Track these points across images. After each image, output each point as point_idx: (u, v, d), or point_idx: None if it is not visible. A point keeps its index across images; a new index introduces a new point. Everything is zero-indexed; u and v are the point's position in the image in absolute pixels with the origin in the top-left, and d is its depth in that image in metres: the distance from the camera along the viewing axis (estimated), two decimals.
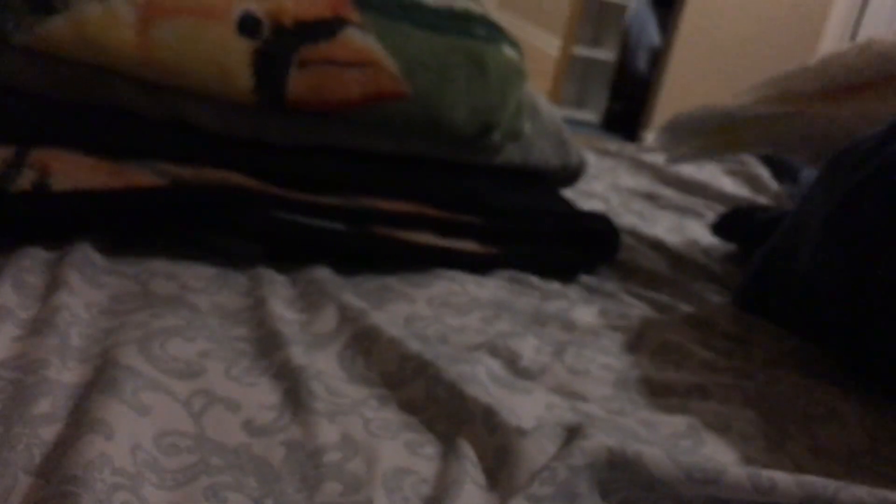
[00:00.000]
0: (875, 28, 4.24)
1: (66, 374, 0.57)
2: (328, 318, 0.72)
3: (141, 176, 0.74)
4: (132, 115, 0.79)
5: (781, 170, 1.53)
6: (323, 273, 0.79)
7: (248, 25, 0.79)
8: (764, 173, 1.54)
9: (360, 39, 0.84)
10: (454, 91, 0.88)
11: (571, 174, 1.07)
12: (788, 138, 0.99)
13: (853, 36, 4.26)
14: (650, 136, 4.28)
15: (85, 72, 0.76)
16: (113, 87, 0.77)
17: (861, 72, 0.93)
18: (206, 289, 0.74)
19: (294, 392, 0.60)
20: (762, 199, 1.42)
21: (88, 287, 0.69)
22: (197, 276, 0.75)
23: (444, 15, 0.93)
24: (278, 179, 0.80)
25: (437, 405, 0.61)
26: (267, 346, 0.66)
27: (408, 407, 0.62)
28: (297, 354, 0.64)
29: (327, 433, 0.55)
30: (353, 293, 0.76)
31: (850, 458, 0.66)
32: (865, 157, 0.76)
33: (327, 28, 0.82)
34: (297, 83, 0.80)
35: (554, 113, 1.06)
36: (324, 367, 0.65)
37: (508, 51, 0.94)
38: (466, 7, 0.96)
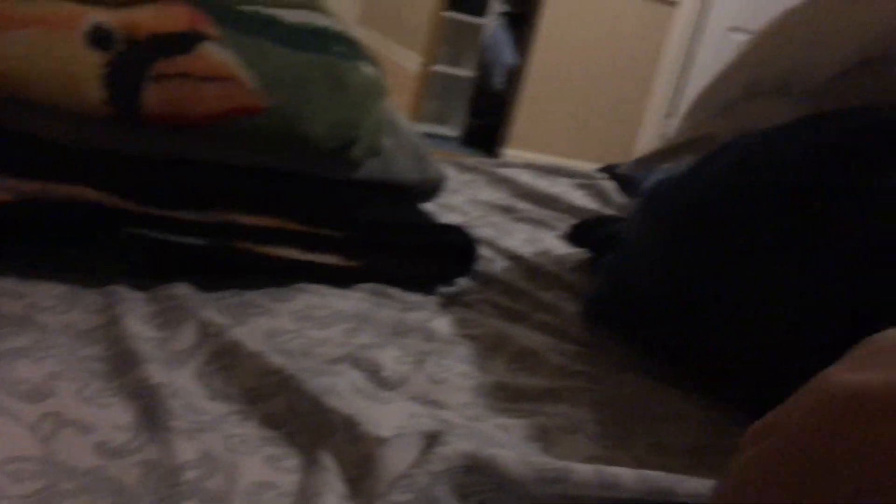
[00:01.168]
0: (708, 46, 4.56)
1: None
2: (187, 335, 0.71)
3: None
4: None
5: (626, 183, 1.63)
6: (182, 289, 0.77)
7: (98, 37, 0.77)
8: (610, 187, 1.63)
9: (217, 54, 0.83)
10: (313, 106, 0.89)
11: (431, 188, 1.10)
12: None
13: (689, 51, 4.56)
14: (508, 151, 4.42)
15: None
16: None
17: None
18: (55, 307, 0.71)
19: (151, 411, 0.59)
20: (610, 211, 1.51)
21: None
22: (46, 295, 0.72)
23: (303, 31, 0.93)
24: (135, 194, 0.78)
25: (299, 418, 0.61)
26: (122, 365, 0.64)
27: (269, 421, 0.62)
28: (154, 372, 0.63)
29: (186, 451, 0.55)
30: (213, 309, 0.75)
31: (692, 454, 0.71)
32: (679, 189, 0.83)
33: (184, 42, 0.81)
34: (152, 96, 0.79)
35: (412, 129, 1.09)
36: (183, 384, 0.65)
37: (367, 68, 0.96)
38: (326, 24, 0.97)
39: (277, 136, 0.87)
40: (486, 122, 4.75)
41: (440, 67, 4.64)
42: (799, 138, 0.75)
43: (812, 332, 0.67)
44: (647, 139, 4.72)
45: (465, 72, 4.81)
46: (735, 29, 4.55)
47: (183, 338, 0.71)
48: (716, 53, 4.59)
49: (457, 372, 0.76)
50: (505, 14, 4.85)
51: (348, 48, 0.96)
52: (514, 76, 4.48)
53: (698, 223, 0.81)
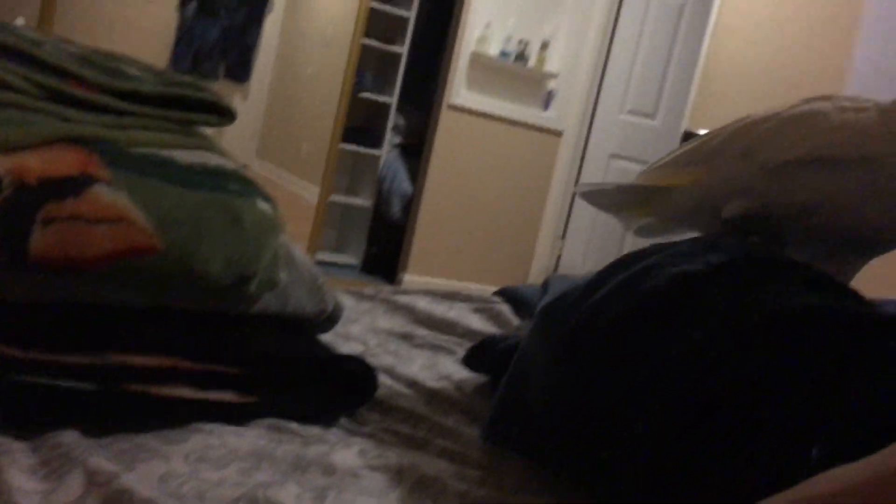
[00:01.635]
0: (592, 171, 4.82)
1: None
2: (74, 485, 0.68)
3: None
4: None
5: (520, 305, 1.68)
6: (69, 436, 0.75)
7: None
8: (506, 309, 1.68)
9: (109, 196, 0.84)
10: (208, 244, 0.90)
11: (328, 319, 1.11)
12: (683, 208, 1.12)
13: (578, 176, 4.80)
14: (408, 277, 4.47)
15: None
16: None
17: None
18: None
19: None
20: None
21: None
22: None
23: (197, 171, 0.95)
24: (21, 339, 0.76)
25: None
26: None
27: None
28: None
29: None
30: (102, 455, 0.73)
31: None
32: (570, 309, 0.88)
33: (74, 185, 0.82)
34: (42, 240, 0.78)
35: (308, 261, 1.11)
36: None
37: (262, 204, 0.98)
38: (220, 163, 1.00)
39: (173, 276, 0.87)
40: (385, 249, 4.82)
41: (338, 198, 4.72)
42: (673, 267, 0.82)
43: (697, 446, 0.71)
44: (542, 260, 4.88)
45: (363, 201, 4.91)
46: (615, 156, 4.85)
47: (68, 489, 0.68)
48: (599, 177, 4.86)
49: None
50: (399, 145, 5.03)
51: (243, 186, 0.98)
52: (411, 204, 4.60)
53: (586, 344, 0.85)
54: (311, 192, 4.34)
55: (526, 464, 0.94)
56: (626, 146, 4.85)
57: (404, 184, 4.70)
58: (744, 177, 1.05)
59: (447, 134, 4.43)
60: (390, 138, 4.95)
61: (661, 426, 0.74)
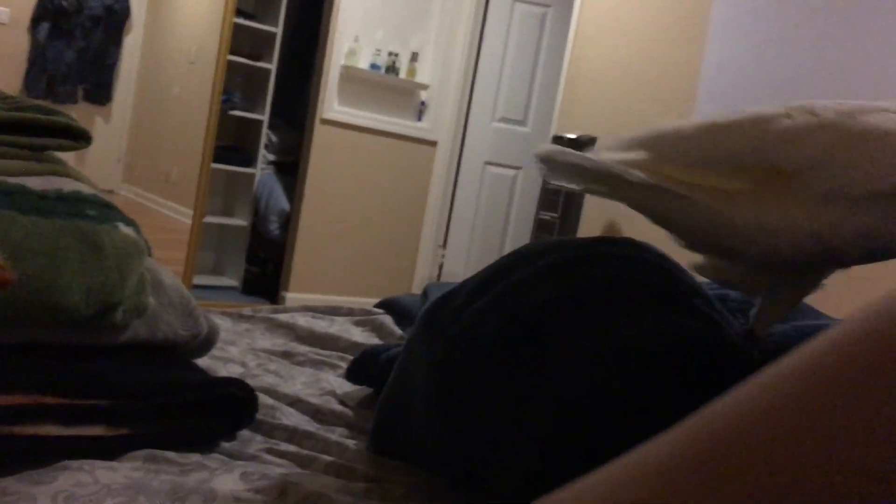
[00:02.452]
0: (469, 179, 4.90)
1: None
2: None
3: None
4: None
5: (401, 315, 1.69)
6: None
7: None
8: (388, 320, 1.68)
9: None
10: (67, 273, 0.86)
11: (203, 343, 1.08)
12: (666, 216, 0.81)
13: (455, 184, 4.87)
14: (290, 295, 4.40)
15: None
16: None
17: (743, 156, 0.76)
18: None
19: None
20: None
21: None
22: None
23: (52, 198, 0.91)
24: None
25: None
26: None
27: None
28: None
29: None
30: None
31: None
32: (455, 314, 0.89)
33: None
34: None
35: (179, 284, 1.07)
36: None
37: (124, 228, 0.95)
38: (76, 188, 0.96)
39: (30, 309, 0.83)
40: (265, 269, 4.74)
41: (213, 219, 4.60)
42: (550, 286, 0.84)
43: (563, 458, 0.73)
44: (424, 270, 4.91)
45: (240, 221, 4.80)
46: (490, 163, 4.95)
47: None
48: (475, 185, 4.94)
49: None
50: (273, 163, 4.95)
51: (102, 210, 0.95)
52: (289, 222, 4.54)
53: (461, 351, 0.86)
54: (184, 215, 4.22)
55: (412, 472, 0.95)
56: (499, 153, 4.96)
57: (281, 201, 4.64)
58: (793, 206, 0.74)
59: (321, 149, 4.40)
60: (263, 156, 4.87)
61: (528, 440, 0.76)
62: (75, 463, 0.80)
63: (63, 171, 1.00)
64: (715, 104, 3.56)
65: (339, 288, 4.56)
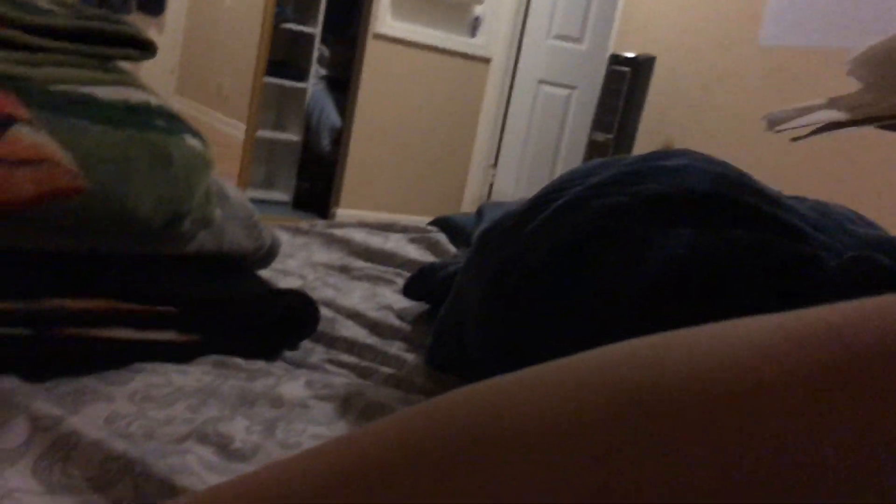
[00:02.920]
0: (522, 98, 4.83)
1: None
2: (17, 431, 0.67)
3: None
4: None
5: (456, 234, 1.69)
6: (8, 383, 0.73)
7: None
8: (442, 238, 1.69)
9: (30, 136, 0.81)
10: (137, 183, 0.88)
11: (266, 255, 1.11)
12: None
13: (507, 103, 4.80)
14: (340, 212, 4.44)
15: None
16: None
17: None
18: None
19: None
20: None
21: None
22: None
23: (120, 108, 0.92)
24: None
25: (150, 501, 0.60)
26: None
27: None
28: None
29: None
30: (44, 400, 0.72)
31: None
32: (505, 237, 0.89)
33: None
34: None
35: (243, 197, 1.09)
36: (16, 484, 0.61)
37: (191, 140, 0.96)
38: (144, 99, 0.97)
39: (101, 218, 0.85)
40: (316, 184, 4.77)
41: (265, 133, 4.62)
42: (598, 199, 0.82)
43: None
44: (474, 189, 4.90)
45: (291, 136, 4.82)
46: (544, 81, 4.85)
47: (12, 435, 0.67)
48: (528, 104, 4.87)
49: (309, 434, 0.76)
50: (326, 77, 4.92)
51: (169, 122, 0.96)
52: (340, 137, 4.53)
53: (513, 275, 0.86)
54: (236, 129, 4.24)
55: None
56: (553, 71, 4.85)
57: (332, 117, 4.63)
58: None
59: (374, 64, 4.35)
60: (315, 71, 4.84)
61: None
62: (149, 366, 0.84)
63: (130, 81, 1.01)
64: (779, 24, 3.42)
65: (389, 205, 4.58)
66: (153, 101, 0.98)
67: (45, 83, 0.89)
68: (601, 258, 0.77)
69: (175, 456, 0.65)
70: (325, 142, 4.65)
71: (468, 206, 4.79)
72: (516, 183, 4.97)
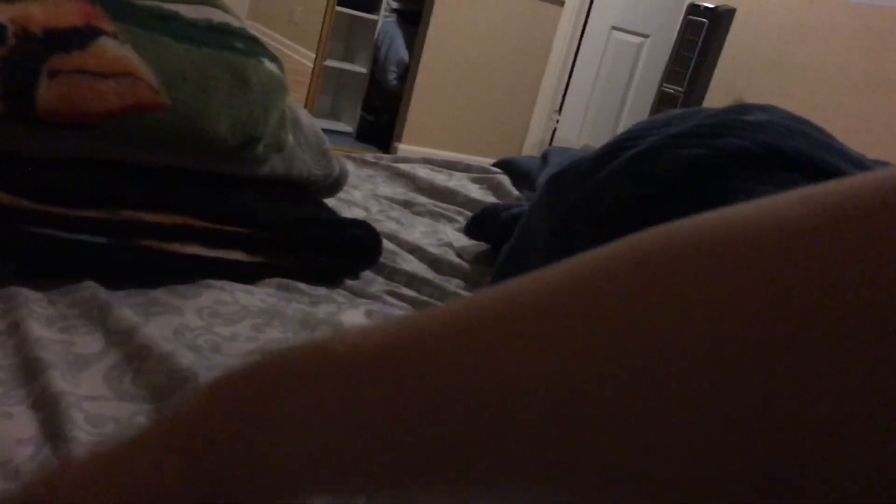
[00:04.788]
0: (592, 44, 4.72)
1: None
2: (93, 338, 0.70)
3: None
4: None
5: (519, 176, 1.68)
6: (86, 290, 0.76)
7: None
8: (505, 180, 1.68)
9: (115, 49, 0.82)
10: (216, 103, 0.89)
11: (333, 184, 1.12)
12: None
13: (577, 49, 4.71)
14: (401, 147, 4.44)
15: None
16: None
17: None
18: None
19: (52, 422, 0.58)
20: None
21: None
22: None
23: (202, 27, 0.93)
24: (34, 194, 0.76)
25: None
26: (25, 374, 0.63)
27: None
28: (58, 380, 0.62)
29: None
30: (118, 309, 0.74)
31: None
32: (578, 181, 0.87)
33: (79, 37, 0.80)
34: (48, 93, 0.77)
35: (315, 125, 1.10)
36: (87, 390, 0.63)
37: (269, 64, 0.97)
38: (225, 20, 0.97)
39: (179, 134, 0.87)
40: (380, 117, 4.76)
41: (333, 63, 4.61)
42: (680, 149, 0.80)
43: None
44: (537, 134, 4.84)
45: (359, 68, 4.80)
46: (616, 28, 4.73)
47: (88, 341, 0.70)
48: (599, 51, 4.76)
49: None
50: (397, 11, 4.87)
51: (249, 44, 0.96)
52: (407, 72, 4.50)
53: (584, 222, 0.86)
54: (305, 57, 4.24)
55: None
56: (627, 18, 4.72)
57: (401, 51, 4.59)
58: None
59: (446, 1, 4.29)
60: (387, 3, 4.79)
61: None
62: (217, 283, 0.86)
63: (212, 2, 1.02)
64: None
65: (451, 143, 4.56)
66: (234, 22, 0.99)
67: None
68: (674, 209, 0.76)
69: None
70: (392, 76, 4.63)
71: (529, 150, 4.74)
72: (580, 130, 4.89)
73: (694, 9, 3.93)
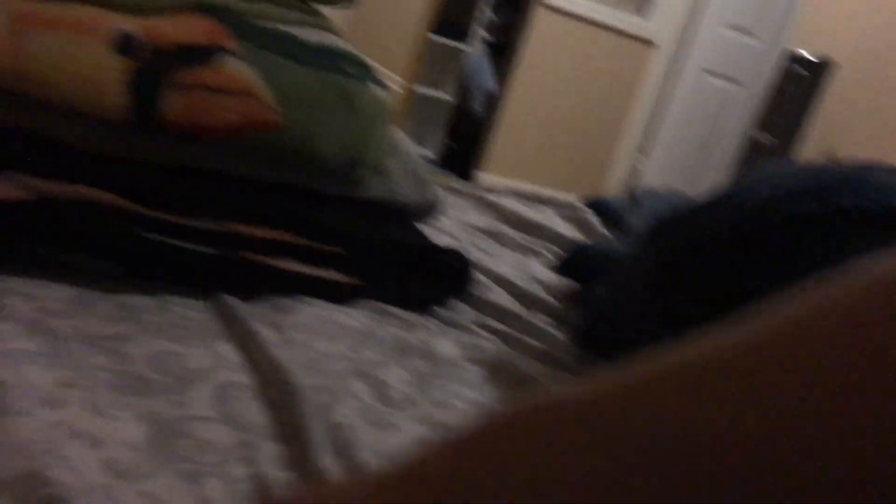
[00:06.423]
0: (684, 86, 4.67)
1: None
2: (201, 352, 0.71)
3: (4, 189, 0.71)
4: None
5: (607, 216, 1.66)
6: (193, 303, 0.78)
7: (124, 45, 0.78)
8: (593, 219, 1.66)
9: (235, 67, 0.85)
10: (325, 124, 0.91)
11: (427, 210, 1.12)
12: None
13: (665, 90, 4.66)
14: (482, 176, 4.46)
15: None
16: None
17: None
18: (65, 312, 0.71)
19: (161, 435, 0.59)
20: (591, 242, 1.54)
21: None
22: (56, 298, 0.72)
23: (316, 50, 0.95)
24: (148, 200, 0.79)
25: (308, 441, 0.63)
26: (134, 381, 0.64)
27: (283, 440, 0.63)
28: (167, 393, 0.63)
29: (183, 495, 0.55)
30: (223, 322, 0.76)
31: None
32: (684, 231, 0.86)
33: (204, 53, 0.83)
34: (172, 105, 0.80)
35: (414, 150, 1.11)
36: (195, 412, 0.64)
37: (377, 89, 0.98)
38: (337, 44, 0.99)
39: (289, 153, 0.88)
40: (463, 145, 4.79)
41: (419, 88, 4.67)
42: (793, 205, 0.78)
43: None
44: (617, 172, 4.80)
45: (445, 95, 4.85)
46: (709, 71, 4.67)
47: (196, 354, 0.70)
48: (691, 93, 4.70)
49: (460, 396, 0.77)
50: (487, 42, 4.92)
51: (359, 69, 0.98)
52: (493, 102, 4.53)
53: (688, 270, 0.84)
54: (393, 82, 4.31)
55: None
56: (722, 63, 4.66)
57: (488, 81, 4.62)
58: None
59: (538, 33, 4.31)
60: (478, 33, 4.84)
61: None
62: (315, 301, 0.87)
63: (326, 25, 1.04)
64: None
65: (531, 175, 4.56)
66: (344, 46, 1.01)
67: (253, 18, 0.93)
68: (788, 268, 0.74)
69: (337, 389, 0.68)
70: (477, 105, 4.66)
71: (610, 187, 4.70)
72: (662, 171, 4.83)
73: (793, 58, 3.86)
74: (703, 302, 0.80)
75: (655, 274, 0.87)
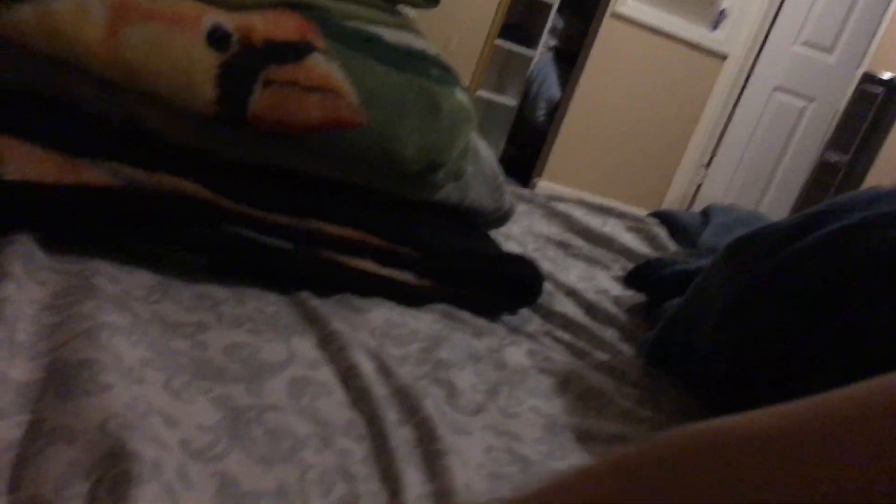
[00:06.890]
0: (752, 103, 4.58)
1: (14, 371, 0.55)
2: (278, 347, 0.71)
3: (94, 174, 0.72)
4: (89, 114, 0.77)
5: (676, 230, 1.63)
6: (269, 296, 0.79)
7: (216, 38, 0.79)
8: (661, 233, 1.64)
9: (324, 66, 0.85)
10: (408, 127, 0.90)
11: (501, 217, 1.12)
12: None
13: (733, 105, 4.58)
14: (541, 183, 4.43)
15: (46, 65, 0.74)
16: (73, 83, 0.75)
17: None
18: (147, 297, 0.73)
19: (234, 423, 0.60)
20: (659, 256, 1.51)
21: (30, 282, 0.66)
22: (138, 284, 0.74)
23: (402, 52, 0.95)
24: (231, 193, 0.80)
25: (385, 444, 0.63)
26: (209, 368, 0.65)
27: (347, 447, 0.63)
28: (240, 383, 0.64)
29: (261, 478, 0.55)
30: (299, 317, 0.76)
31: None
32: (765, 251, 0.83)
33: (295, 51, 0.83)
34: (260, 101, 0.81)
35: (492, 157, 1.10)
36: (271, 402, 0.64)
37: (460, 94, 0.98)
38: (424, 47, 0.99)
39: (371, 153, 0.89)
40: (524, 152, 4.78)
41: (483, 93, 4.67)
42: (891, 229, 0.75)
43: None
44: (680, 187, 4.73)
45: (509, 100, 4.84)
46: (779, 88, 4.57)
47: (272, 348, 0.71)
48: (759, 110, 4.61)
49: (529, 406, 0.76)
50: (554, 48, 4.89)
51: (443, 73, 0.98)
52: (556, 110, 4.50)
53: (771, 290, 0.82)
54: None
55: (682, 391, 0.93)
56: (793, 80, 4.56)
57: (553, 89, 4.60)
58: None
59: (606, 43, 4.27)
60: (546, 40, 4.82)
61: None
62: (387, 303, 0.87)
63: (410, 27, 1.04)
64: None
65: (591, 185, 4.52)
66: (430, 50, 1.01)
67: (341, 17, 0.93)
68: (881, 293, 0.71)
69: (412, 393, 0.68)
70: (541, 112, 4.64)
71: (671, 201, 4.62)
72: (726, 188, 4.74)
73: (869, 78, 3.76)
74: (791, 320, 0.78)
75: (735, 293, 0.85)
